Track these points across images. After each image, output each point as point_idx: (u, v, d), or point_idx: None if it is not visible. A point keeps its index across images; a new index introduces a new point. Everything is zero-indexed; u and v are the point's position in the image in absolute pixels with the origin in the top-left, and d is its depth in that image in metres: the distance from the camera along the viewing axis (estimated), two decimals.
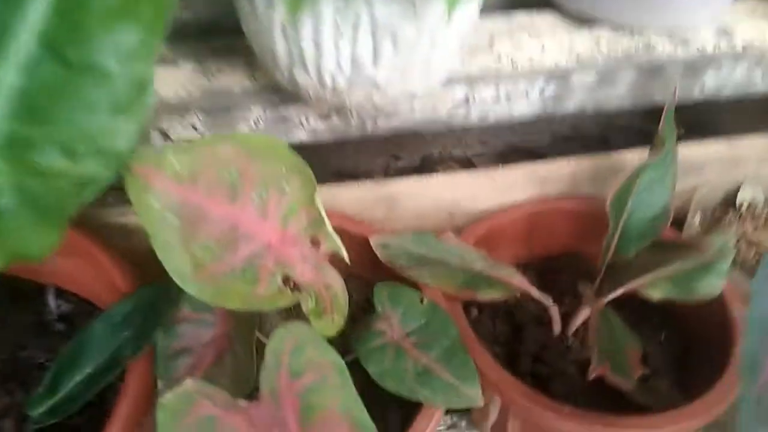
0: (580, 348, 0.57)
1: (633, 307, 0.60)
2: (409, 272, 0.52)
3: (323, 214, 0.38)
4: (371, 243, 0.54)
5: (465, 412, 0.66)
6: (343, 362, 0.32)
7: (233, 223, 0.35)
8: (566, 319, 0.57)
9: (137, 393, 0.42)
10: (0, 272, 0.31)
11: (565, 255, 0.64)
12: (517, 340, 0.58)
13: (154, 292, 0.46)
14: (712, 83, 0.60)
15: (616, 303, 0.55)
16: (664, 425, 0.44)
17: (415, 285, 0.52)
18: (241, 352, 0.37)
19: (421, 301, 0.51)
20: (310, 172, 0.38)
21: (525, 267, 0.63)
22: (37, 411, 0.42)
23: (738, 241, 0.63)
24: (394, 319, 0.50)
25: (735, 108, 0.65)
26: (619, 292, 0.54)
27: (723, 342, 0.51)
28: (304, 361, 0.32)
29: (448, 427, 0.66)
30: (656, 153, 0.51)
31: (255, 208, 0.36)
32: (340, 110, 0.53)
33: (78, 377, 0.43)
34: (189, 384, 0.31)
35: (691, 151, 0.62)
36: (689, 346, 0.57)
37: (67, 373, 0.43)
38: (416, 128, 0.56)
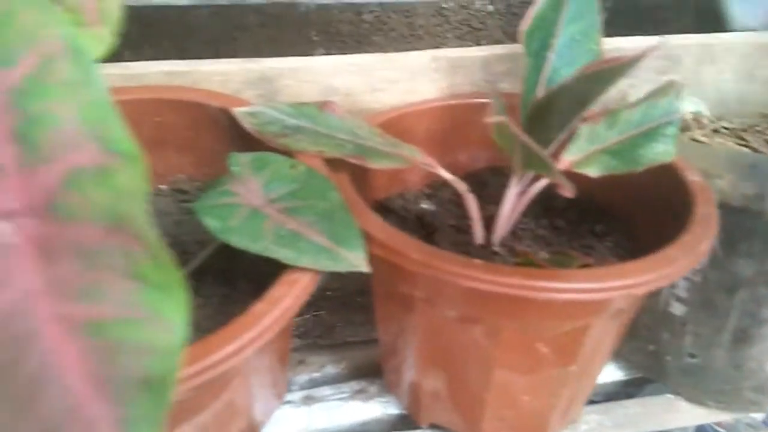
0: (509, 256, 0.45)
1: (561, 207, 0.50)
2: (283, 140, 0.41)
3: None
4: (235, 113, 0.42)
5: (376, 377, 0.52)
6: (80, 40, 0.20)
7: None
8: (490, 227, 0.46)
9: None
10: None
11: (488, 170, 0.54)
12: None
13: None
14: None
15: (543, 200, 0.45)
16: (592, 279, 0.32)
17: (289, 155, 0.40)
18: None
19: (294, 168, 0.39)
20: None
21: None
22: None
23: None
24: (254, 185, 0.37)
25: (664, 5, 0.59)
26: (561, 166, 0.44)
27: (680, 208, 0.41)
28: (19, 36, 0.20)
29: (356, 392, 0.51)
30: None
31: None
32: None
33: None
34: None
35: (619, 46, 0.55)
36: (634, 232, 0.47)
37: None
38: None
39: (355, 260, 0.33)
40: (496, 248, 0.45)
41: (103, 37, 0.24)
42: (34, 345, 0.20)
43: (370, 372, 0.52)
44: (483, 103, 0.52)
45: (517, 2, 0.64)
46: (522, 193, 0.44)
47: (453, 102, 0.51)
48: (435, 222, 0.47)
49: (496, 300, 0.34)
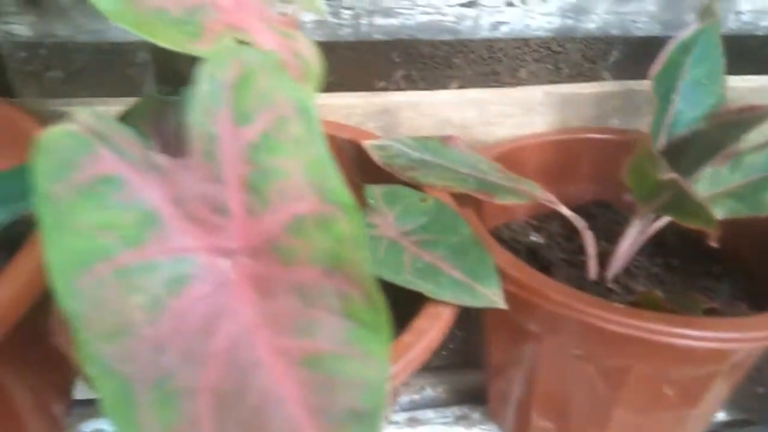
0: (624, 293, 0.45)
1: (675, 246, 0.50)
2: (410, 173, 0.42)
3: None
4: (365, 146, 0.44)
5: (479, 404, 0.53)
6: (308, 100, 0.22)
7: None
8: (603, 263, 0.47)
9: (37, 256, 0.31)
10: None
11: (594, 204, 0.54)
12: None
13: None
14: (749, 8, 0.53)
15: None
16: (734, 329, 0.33)
17: (416, 188, 0.42)
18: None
19: (423, 201, 0.41)
20: None
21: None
22: None
23: None
24: (389, 217, 0.39)
25: None
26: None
27: None
28: (255, 98, 0.22)
29: (458, 418, 0.52)
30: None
31: None
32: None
33: None
34: (84, 118, 0.21)
35: (734, 86, 0.54)
36: (753, 275, 0.46)
37: None
38: (418, 33, 0.49)
39: (493, 297, 0.35)
40: (610, 285, 0.46)
41: (306, 92, 0.26)
42: (257, 374, 0.22)
43: (470, 397, 0.53)
44: (592, 138, 0.53)
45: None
46: (641, 231, 0.45)
47: (563, 136, 0.52)
48: (549, 256, 0.48)
49: (633, 343, 0.34)
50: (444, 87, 0.90)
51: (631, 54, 1.00)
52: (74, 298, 0.21)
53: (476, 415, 0.52)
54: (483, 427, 0.51)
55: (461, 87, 0.92)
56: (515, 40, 0.88)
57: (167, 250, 0.23)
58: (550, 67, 0.98)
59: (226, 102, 0.22)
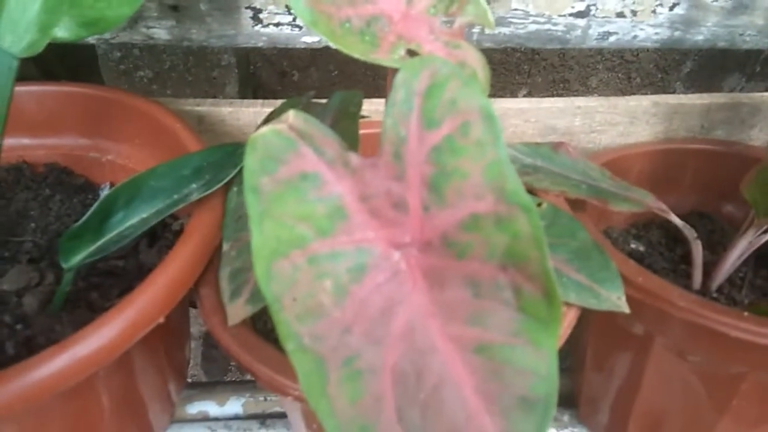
0: (729, 303, 0.46)
1: None
2: (524, 178, 0.44)
3: None
4: None
5: (567, 406, 0.54)
6: (492, 108, 0.24)
7: None
8: (707, 273, 0.47)
9: (199, 240, 0.34)
10: None
11: (694, 214, 0.54)
12: None
13: (231, 149, 0.39)
14: None
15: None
16: None
17: (530, 192, 0.43)
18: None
19: (539, 206, 0.42)
20: None
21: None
22: (77, 256, 0.34)
23: None
24: None
25: None
26: None
27: None
28: (444, 105, 0.24)
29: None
30: None
31: None
32: None
33: (132, 221, 0.35)
34: (291, 119, 0.24)
35: None
36: None
37: (116, 215, 0.35)
38: (527, 42, 0.50)
39: (617, 301, 0.36)
40: (714, 295, 0.46)
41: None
42: (433, 358, 0.24)
43: (558, 399, 0.54)
44: (696, 149, 0.53)
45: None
46: (751, 242, 0.45)
47: (667, 146, 0.52)
48: (653, 265, 0.48)
49: (755, 350, 0.35)
50: (513, 94, 0.90)
51: (706, 65, 0.98)
52: (274, 281, 0.24)
53: (566, 418, 0.53)
54: (574, 429, 0.52)
55: (529, 94, 0.92)
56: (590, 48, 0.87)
57: (351, 241, 0.25)
58: (621, 76, 0.97)
59: (417, 108, 0.24)
